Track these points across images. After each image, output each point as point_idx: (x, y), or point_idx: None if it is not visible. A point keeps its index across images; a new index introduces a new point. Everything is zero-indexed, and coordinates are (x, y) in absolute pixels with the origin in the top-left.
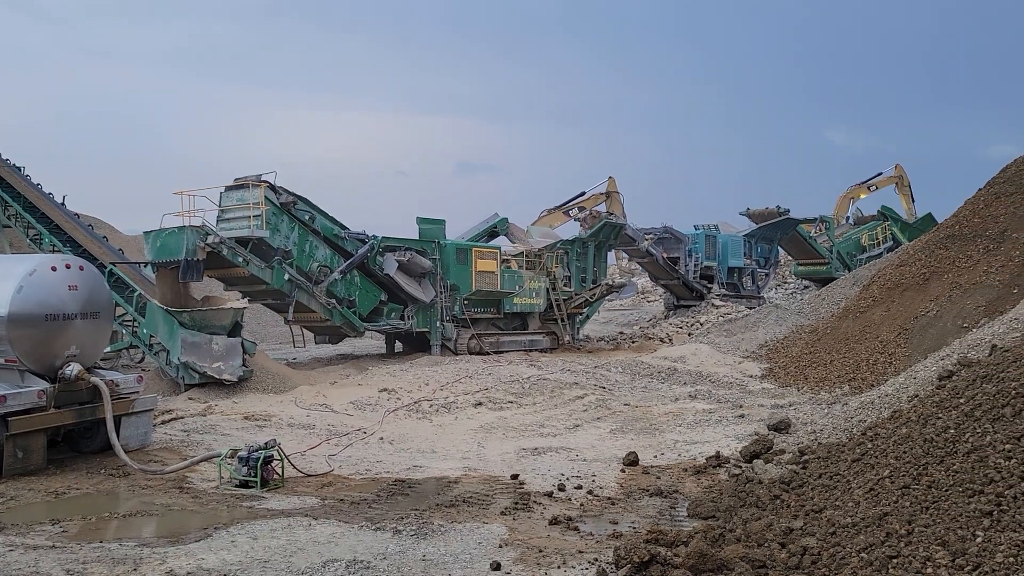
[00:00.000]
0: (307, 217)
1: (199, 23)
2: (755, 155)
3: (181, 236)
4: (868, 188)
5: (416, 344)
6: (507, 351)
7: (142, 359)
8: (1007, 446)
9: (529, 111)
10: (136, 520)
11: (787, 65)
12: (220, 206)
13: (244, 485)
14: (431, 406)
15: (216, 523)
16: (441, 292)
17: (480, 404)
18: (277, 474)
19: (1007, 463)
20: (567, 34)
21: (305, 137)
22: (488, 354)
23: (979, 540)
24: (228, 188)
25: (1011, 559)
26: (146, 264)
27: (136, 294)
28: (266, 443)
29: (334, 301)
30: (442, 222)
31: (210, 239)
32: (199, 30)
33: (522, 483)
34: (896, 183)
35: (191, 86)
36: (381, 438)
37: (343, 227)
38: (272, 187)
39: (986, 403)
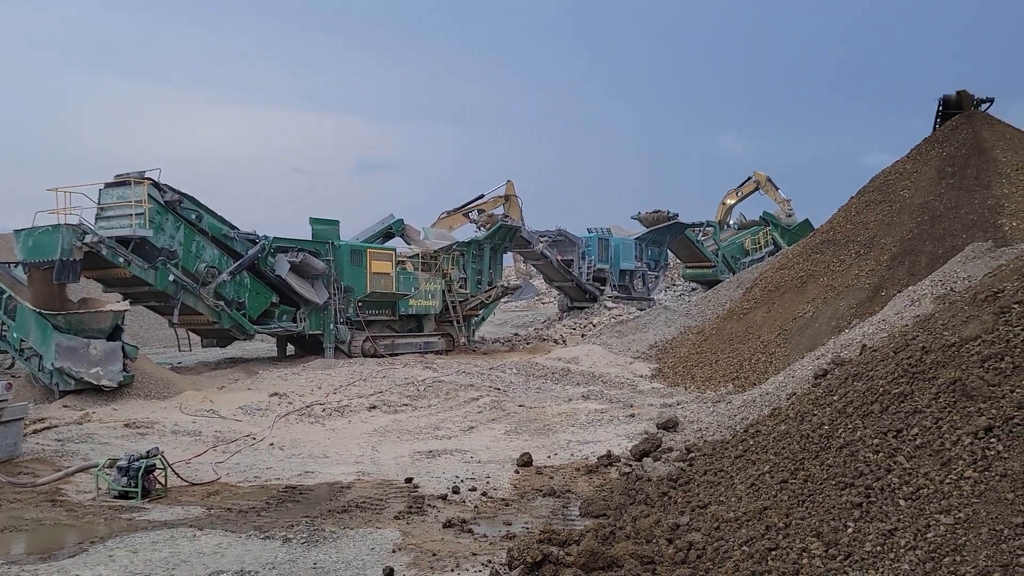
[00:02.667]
0: (194, 216)
1: (73, 8)
2: (650, 160)
3: (55, 235)
4: (736, 194)
5: (309, 347)
6: (402, 353)
7: (11, 365)
8: (875, 441)
9: (430, 111)
10: (3, 536)
11: (683, 72)
12: (99, 204)
13: (124, 496)
14: (324, 410)
15: (93, 537)
16: (335, 294)
17: (374, 407)
18: (160, 484)
19: (875, 457)
20: (469, 36)
21: (193, 133)
22: (383, 356)
23: (850, 530)
24: (108, 185)
25: (878, 548)
26: (16, 264)
27: (5, 296)
28: (148, 452)
29: (222, 303)
30: (336, 223)
31: (88, 238)
32: (73, 16)
33: (416, 486)
34: (760, 187)
35: (65, 77)
36: (271, 444)
37: (232, 227)
38: (156, 184)
39: (857, 400)
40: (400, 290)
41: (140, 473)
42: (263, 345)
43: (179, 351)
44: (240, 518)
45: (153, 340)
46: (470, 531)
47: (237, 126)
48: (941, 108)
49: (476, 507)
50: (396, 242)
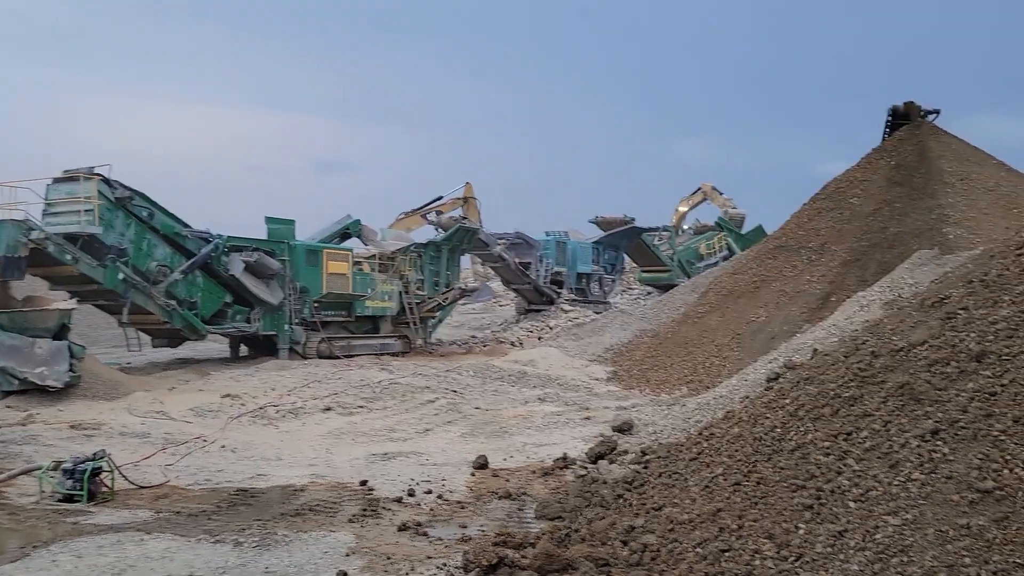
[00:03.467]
0: (145, 214)
1: None
2: (608, 164)
3: (0, 231)
4: (687, 202)
5: (263, 348)
6: (358, 355)
7: None
8: (826, 443)
9: (390, 112)
10: None
11: (642, 76)
12: (46, 200)
13: (69, 500)
14: (277, 412)
15: (35, 541)
16: (290, 294)
17: (329, 409)
18: (107, 487)
19: (826, 459)
20: (430, 36)
21: (146, 129)
22: (338, 358)
23: (801, 532)
24: (56, 180)
25: (828, 549)
26: None
27: None
28: (94, 454)
29: (174, 303)
30: (292, 222)
31: (34, 234)
32: (19, 5)
33: (371, 489)
34: (707, 197)
35: (7, 68)
36: (223, 446)
37: (185, 225)
38: (106, 181)
39: (808, 403)
40: (356, 291)
41: (86, 476)
42: (215, 346)
43: (129, 351)
44: (190, 522)
45: (102, 340)
46: (425, 534)
47: (192, 123)
48: (890, 119)
49: (431, 510)
50: (353, 243)
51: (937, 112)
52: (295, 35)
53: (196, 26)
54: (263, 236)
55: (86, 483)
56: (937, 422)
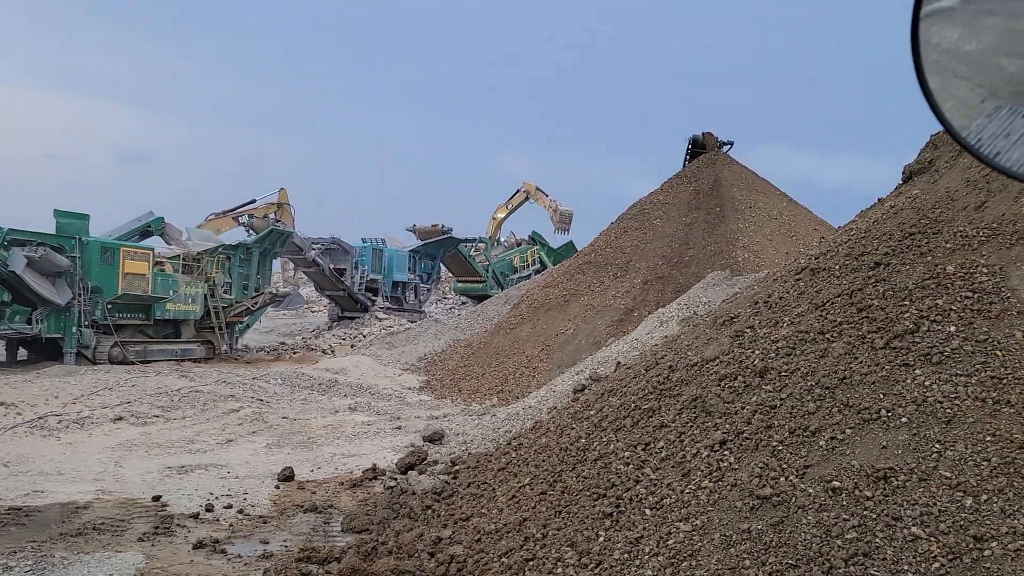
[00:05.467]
0: None
1: None
2: (429, 173)
3: None
4: (506, 207)
5: (46, 352)
6: (156, 360)
7: None
8: (626, 453)
9: (204, 105)
10: None
11: (467, 89)
12: None
13: None
14: (60, 422)
15: None
16: (80, 294)
17: (120, 419)
18: None
19: (626, 468)
20: (248, 31)
21: None
22: (133, 363)
23: (601, 539)
24: None
25: (626, 555)
26: None
27: None
28: None
29: None
30: (86, 217)
31: None
32: None
33: (165, 505)
34: (530, 197)
35: None
36: None
37: None
38: None
39: (611, 414)
40: (157, 293)
41: None
42: None
43: None
44: None
45: None
46: (223, 551)
47: None
48: (690, 147)
49: (231, 525)
50: (156, 242)
51: (731, 144)
52: (99, 17)
53: None
54: (52, 231)
55: None
56: (725, 433)
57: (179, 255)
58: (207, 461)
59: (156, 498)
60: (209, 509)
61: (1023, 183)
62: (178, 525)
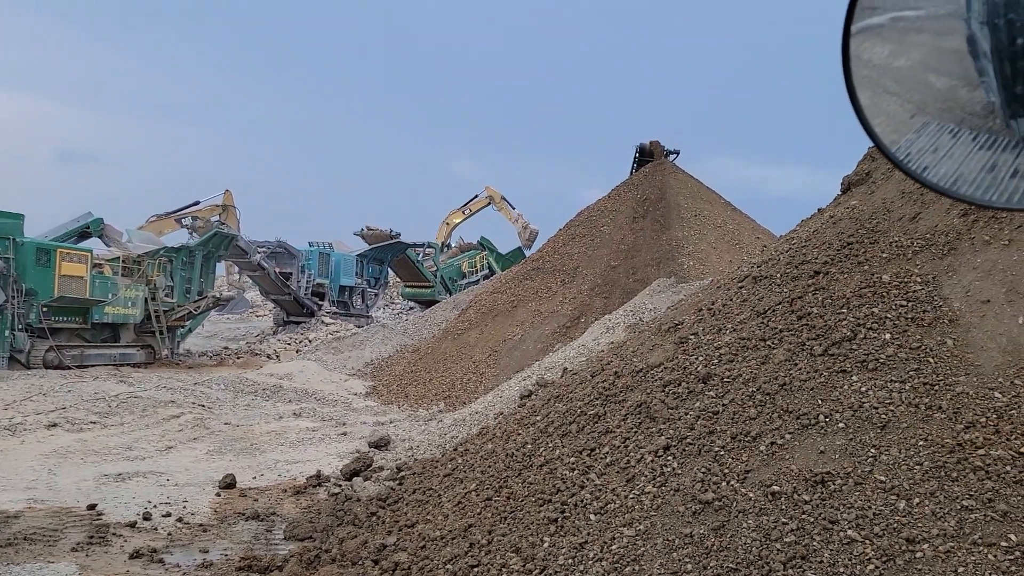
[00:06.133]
0: None
1: None
2: (381, 177)
3: None
4: (463, 212)
5: None
6: (93, 365)
7: None
8: (572, 459)
9: (148, 104)
10: None
11: (421, 93)
12: None
13: None
14: None
15: None
16: (14, 297)
17: (55, 425)
18: None
19: (571, 474)
20: (194, 28)
21: None
22: (69, 368)
23: (546, 545)
24: None
25: (570, 560)
26: None
27: None
28: None
29: None
30: (20, 217)
31: None
32: None
33: (100, 514)
34: (491, 203)
35: None
36: None
37: None
38: None
39: (557, 420)
40: (95, 295)
41: None
42: None
43: None
44: None
45: None
46: (161, 561)
47: None
48: (638, 155)
49: (170, 534)
50: (95, 243)
51: (677, 152)
52: (32, 9)
53: None
54: None
55: None
56: (668, 438)
57: (119, 257)
58: (146, 468)
59: (91, 507)
60: (147, 518)
61: (949, 198)
62: (114, 534)
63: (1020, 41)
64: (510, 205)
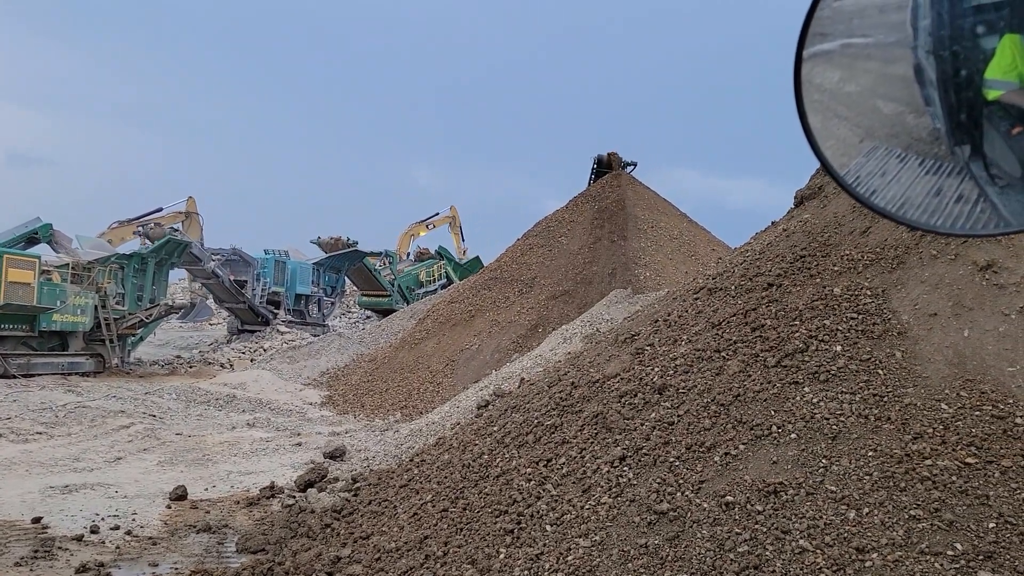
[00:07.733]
0: None
1: None
2: (339, 185)
3: None
4: (427, 226)
5: None
6: (40, 374)
7: None
8: (528, 469)
9: (107, 106)
10: None
11: (380, 99)
12: None
13: None
14: None
15: None
16: None
17: None
18: None
19: (527, 484)
20: (152, 31)
21: None
22: (14, 377)
23: (502, 556)
24: None
25: (526, 572)
26: None
27: None
28: None
29: None
30: None
31: None
32: None
33: (46, 527)
34: (450, 223)
35: None
36: None
37: None
38: None
39: (514, 431)
40: (42, 303)
41: None
42: None
43: None
44: None
45: None
46: (108, 575)
47: None
48: (595, 166)
49: (118, 548)
50: (44, 249)
51: (634, 164)
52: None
53: None
54: None
55: None
56: (624, 449)
57: (68, 264)
58: (94, 480)
59: (36, 520)
60: (94, 531)
61: (896, 222)
62: (60, 548)
63: (964, 72)
64: (462, 235)
